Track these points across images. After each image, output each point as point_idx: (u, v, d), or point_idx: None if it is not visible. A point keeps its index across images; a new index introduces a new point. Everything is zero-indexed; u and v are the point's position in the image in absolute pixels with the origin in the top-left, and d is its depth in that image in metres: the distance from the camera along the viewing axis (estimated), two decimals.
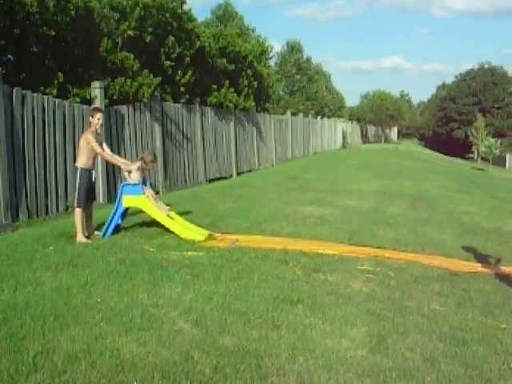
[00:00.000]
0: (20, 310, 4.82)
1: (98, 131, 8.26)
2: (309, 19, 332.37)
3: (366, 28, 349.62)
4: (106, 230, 7.99)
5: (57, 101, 9.98)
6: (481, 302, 5.82)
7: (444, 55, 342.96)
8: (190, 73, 16.20)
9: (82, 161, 7.94)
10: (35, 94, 9.42)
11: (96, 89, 11.13)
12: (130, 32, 13.33)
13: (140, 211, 8.69)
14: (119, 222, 8.22)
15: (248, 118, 21.39)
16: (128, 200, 8.16)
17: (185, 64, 16.11)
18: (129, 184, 8.26)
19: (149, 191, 8.44)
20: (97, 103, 10.95)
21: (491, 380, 4.00)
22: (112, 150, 11.64)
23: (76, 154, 8.84)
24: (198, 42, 16.91)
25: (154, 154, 9.16)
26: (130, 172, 8.32)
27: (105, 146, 8.34)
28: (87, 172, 8.01)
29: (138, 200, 8.19)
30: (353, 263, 7.02)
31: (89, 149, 7.93)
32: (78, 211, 7.85)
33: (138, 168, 8.36)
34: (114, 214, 8.06)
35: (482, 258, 7.88)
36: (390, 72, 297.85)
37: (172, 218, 8.41)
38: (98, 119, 8.09)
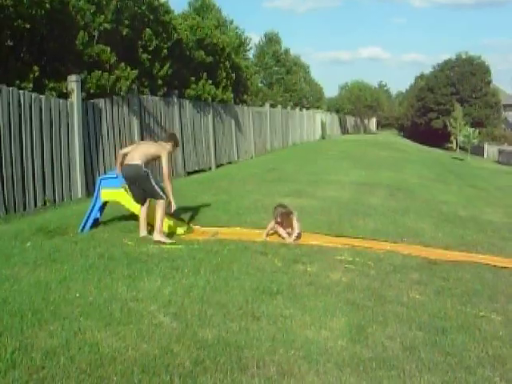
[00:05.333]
0: None
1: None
2: (286, 10, 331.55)
3: (344, 19, 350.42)
4: (85, 225, 7.93)
5: (33, 95, 9.85)
6: (460, 290, 5.87)
7: (423, 45, 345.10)
8: (167, 65, 16.12)
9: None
10: (11, 89, 9.30)
11: (73, 82, 11.01)
12: (106, 25, 13.20)
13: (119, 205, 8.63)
14: (98, 215, 8.16)
15: (226, 111, 21.33)
16: (106, 194, 8.08)
17: (162, 56, 16.02)
18: (107, 177, 8.21)
19: None
20: (73, 97, 10.86)
21: (470, 367, 4.03)
22: (90, 145, 11.64)
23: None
24: (176, 35, 16.82)
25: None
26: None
27: None
28: None
29: (116, 194, 8.13)
30: (332, 254, 7.04)
31: (153, 157, 7.90)
32: (162, 203, 7.64)
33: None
34: (92, 207, 8.00)
35: (460, 247, 7.95)
36: (369, 62, 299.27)
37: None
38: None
